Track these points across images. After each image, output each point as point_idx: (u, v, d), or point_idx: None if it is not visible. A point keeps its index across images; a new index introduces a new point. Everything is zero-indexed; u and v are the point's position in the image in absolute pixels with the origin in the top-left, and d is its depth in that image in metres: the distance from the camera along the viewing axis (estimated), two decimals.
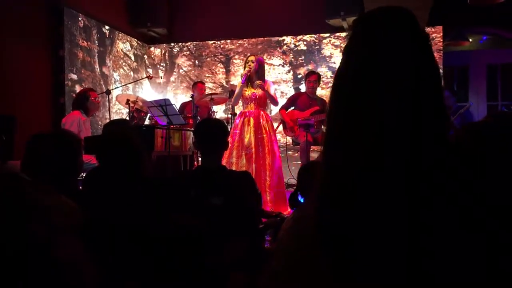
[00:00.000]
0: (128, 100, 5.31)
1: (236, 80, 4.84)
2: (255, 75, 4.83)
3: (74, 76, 5.99)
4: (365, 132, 0.80)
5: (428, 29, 6.55)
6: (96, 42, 6.61)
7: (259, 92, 4.83)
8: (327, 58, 7.30)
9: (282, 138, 6.19)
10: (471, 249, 0.74)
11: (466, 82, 7.33)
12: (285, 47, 7.54)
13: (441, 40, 6.60)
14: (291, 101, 5.90)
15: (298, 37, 7.42)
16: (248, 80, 4.86)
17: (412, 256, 0.74)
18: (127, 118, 5.31)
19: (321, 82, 6.25)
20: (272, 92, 4.88)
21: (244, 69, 4.91)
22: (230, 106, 5.00)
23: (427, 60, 0.84)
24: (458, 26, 6.50)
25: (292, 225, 0.97)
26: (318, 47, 7.37)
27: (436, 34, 6.62)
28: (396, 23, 0.84)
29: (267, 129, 4.84)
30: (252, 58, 4.86)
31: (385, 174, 0.78)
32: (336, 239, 0.80)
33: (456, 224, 0.75)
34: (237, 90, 4.93)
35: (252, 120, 4.86)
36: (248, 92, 4.88)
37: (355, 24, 0.89)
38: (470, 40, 6.80)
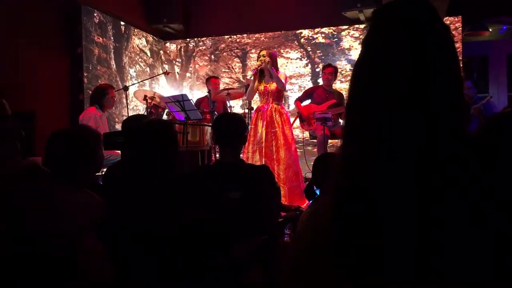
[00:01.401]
0: (145, 96, 5.34)
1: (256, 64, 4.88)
2: (268, 69, 4.85)
3: (90, 73, 6.01)
4: (380, 123, 0.80)
5: (447, 19, 6.45)
6: (112, 38, 6.59)
7: (271, 86, 4.87)
8: (346, 51, 7.11)
9: (300, 134, 6.16)
10: (479, 246, 0.73)
11: (486, 72, 7.20)
12: (302, 40, 7.39)
13: (461, 30, 6.50)
14: (307, 94, 5.87)
15: (316, 30, 7.27)
16: (261, 75, 4.88)
17: (421, 250, 0.74)
18: (145, 114, 5.35)
19: (339, 75, 6.20)
20: (281, 77, 4.87)
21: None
22: (247, 101, 5.03)
23: (445, 52, 0.83)
24: (477, 16, 6.38)
25: (309, 218, 0.97)
26: (336, 39, 7.20)
27: (455, 24, 6.51)
28: (415, 16, 0.83)
29: (280, 123, 4.86)
30: (264, 52, 4.90)
31: (398, 166, 0.78)
32: (350, 231, 0.80)
33: (466, 219, 0.74)
34: (250, 85, 4.97)
35: (265, 114, 4.91)
36: (261, 86, 4.94)
37: (374, 15, 0.88)
38: (490, 30, 6.67)
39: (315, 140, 5.74)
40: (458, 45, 6.41)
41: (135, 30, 7.21)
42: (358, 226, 0.80)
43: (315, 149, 5.81)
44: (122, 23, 6.84)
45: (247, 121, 5.19)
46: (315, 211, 1.00)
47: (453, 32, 6.46)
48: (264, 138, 4.83)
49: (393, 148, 0.78)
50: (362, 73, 0.86)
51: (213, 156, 5.42)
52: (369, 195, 0.79)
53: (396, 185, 0.77)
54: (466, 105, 1.04)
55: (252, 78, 5.04)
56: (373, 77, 0.83)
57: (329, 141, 5.35)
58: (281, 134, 4.85)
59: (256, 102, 5.61)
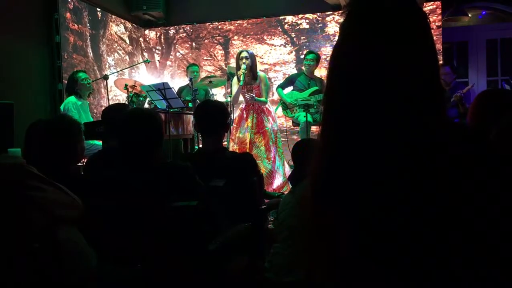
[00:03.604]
0: (126, 85, 5.28)
1: (242, 68, 4.89)
2: (250, 71, 4.93)
3: (66, 62, 5.76)
4: (356, 109, 0.81)
5: (426, 5, 6.49)
6: (88, 25, 6.32)
7: (255, 89, 5.00)
8: (331, 37, 7.00)
9: (285, 122, 6.18)
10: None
11: (466, 57, 7.28)
12: (286, 26, 7.27)
13: (441, 16, 6.54)
14: (289, 81, 5.87)
15: (300, 16, 7.16)
16: (244, 79, 4.95)
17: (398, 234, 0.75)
18: (127, 103, 5.29)
19: (324, 62, 6.21)
20: (264, 88, 5.04)
21: (240, 69, 4.96)
22: (230, 103, 5.08)
23: (421, 39, 0.83)
24: (457, 1, 6.42)
25: (295, 207, 0.99)
26: (321, 25, 7.10)
27: (433, 10, 6.55)
28: (393, 3, 0.84)
29: (263, 124, 4.96)
30: (244, 54, 4.90)
31: (371, 152, 0.79)
32: (330, 219, 0.81)
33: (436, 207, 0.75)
34: (235, 90, 5.02)
35: (250, 116, 5.02)
36: (245, 89, 5.02)
37: (350, 1, 0.88)
38: (469, 15, 6.73)
39: (298, 127, 5.76)
40: (438, 31, 6.46)
41: (113, 16, 6.97)
42: (337, 208, 0.81)
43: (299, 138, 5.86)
44: (98, 9, 6.59)
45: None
46: (300, 198, 1.00)
47: (433, 18, 6.51)
48: (248, 139, 4.92)
49: (372, 135, 0.79)
50: (338, 60, 0.86)
51: (197, 145, 5.41)
52: (348, 182, 0.80)
53: (378, 171, 0.78)
54: (441, 90, 1.05)
55: (234, 83, 5.08)
56: (348, 63, 0.83)
57: (312, 128, 5.36)
58: (271, 132, 4.97)
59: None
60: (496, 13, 7.27)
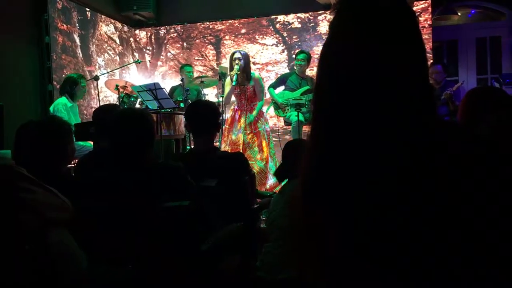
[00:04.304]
0: (117, 85, 5.26)
1: (227, 64, 4.90)
2: (243, 72, 4.90)
3: (55, 63, 5.70)
4: (345, 107, 0.81)
5: (416, 4, 6.51)
6: (77, 25, 6.24)
7: (248, 90, 4.97)
8: (323, 36, 6.93)
9: (278, 122, 6.17)
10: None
11: (456, 56, 7.33)
12: (278, 25, 7.25)
13: (431, 15, 6.57)
14: (280, 80, 5.87)
15: (292, 15, 7.14)
16: (236, 79, 4.93)
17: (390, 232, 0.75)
18: (118, 104, 5.27)
19: (315, 62, 6.20)
20: (259, 90, 5.03)
21: (232, 69, 4.94)
22: (222, 103, 5.08)
23: (413, 38, 0.83)
24: (446, 0, 6.47)
25: (285, 206, 0.99)
26: (313, 24, 7.09)
27: (425, 8, 6.58)
28: (382, 2, 0.84)
29: (256, 125, 4.97)
30: (237, 55, 4.89)
31: (371, 151, 0.78)
32: (320, 218, 0.82)
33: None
34: (227, 90, 4.99)
35: (242, 118, 5.00)
36: (238, 89, 4.97)
37: (340, 1, 0.88)
38: (459, 14, 6.77)
39: (290, 127, 5.77)
40: (428, 29, 6.49)
41: (102, 16, 6.89)
42: (327, 207, 0.81)
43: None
44: (87, 9, 6.51)
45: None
46: (291, 198, 1.00)
47: (423, 17, 6.54)
48: (241, 141, 4.91)
49: (359, 132, 0.79)
50: (328, 58, 0.86)
51: (189, 145, 5.40)
52: (339, 181, 0.80)
53: (369, 169, 0.78)
54: (432, 89, 1.06)
55: (226, 83, 5.05)
56: (338, 62, 0.83)
57: (304, 127, 5.37)
58: (257, 138, 4.96)
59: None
60: (485, 12, 7.33)
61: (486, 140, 0.80)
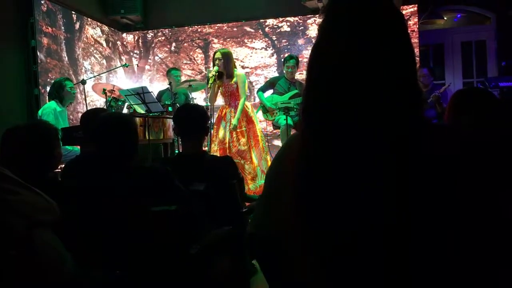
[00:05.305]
0: (104, 89, 5.22)
1: (214, 69, 4.89)
2: (225, 71, 4.91)
3: (40, 66, 5.60)
4: (338, 106, 0.81)
5: (403, 8, 6.58)
6: (63, 28, 6.15)
7: (231, 88, 4.94)
8: (313, 40, 6.87)
9: (268, 126, 6.16)
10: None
11: (442, 60, 7.40)
12: (267, 29, 7.24)
13: (417, 19, 6.64)
14: (269, 84, 5.88)
15: (281, 18, 7.15)
16: (219, 77, 4.91)
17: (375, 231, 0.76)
18: (105, 108, 5.23)
19: (305, 65, 6.22)
20: (240, 86, 4.96)
21: (212, 68, 4.95)
22: (211, 107, 5.07)
23: (397, 39, 0.84)
24: (432, 5, 6.53)
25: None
26: (302, 28, 7.10)
27: (411, 13, 6.65)
28: (369, 3, 0.84)
29: (240, 123, 4.96)
30: (218, 55, 4.89)
31: (357, 145, 0.79)
32: (312, 207, 0.82)
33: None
34: (210, 91, 4.99)
35: (227, 114, 5.00)
36: (221, 88, 4.96)
37: (329, 2, 0.89)
38: (445, 18, 6.85)
39: (278, 131, 5.78)
40: (415, 33, 6.55)
41: (89, 19, 6.82)
42: (319, 200, 0.81)
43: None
44: (73, 12, 6.42)
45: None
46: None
47: (410, 21, 6.60)
48: (228, 139, 4.90)
49: (351, 127, 0.80)
50: (316, 58, 0.87)
51: (177, 149, 5.38)
52: (331, 173, 0.81)
53: (359, 164, 0.78)
54: (420, 92, 1.07)
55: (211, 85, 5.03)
56: (328, 60, 0.84)
57: (293, 131, 5.38)
58: (245, 133, 4.94)
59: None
60: (470, 16, 7.42)
61: (470, 141, 0.80)
